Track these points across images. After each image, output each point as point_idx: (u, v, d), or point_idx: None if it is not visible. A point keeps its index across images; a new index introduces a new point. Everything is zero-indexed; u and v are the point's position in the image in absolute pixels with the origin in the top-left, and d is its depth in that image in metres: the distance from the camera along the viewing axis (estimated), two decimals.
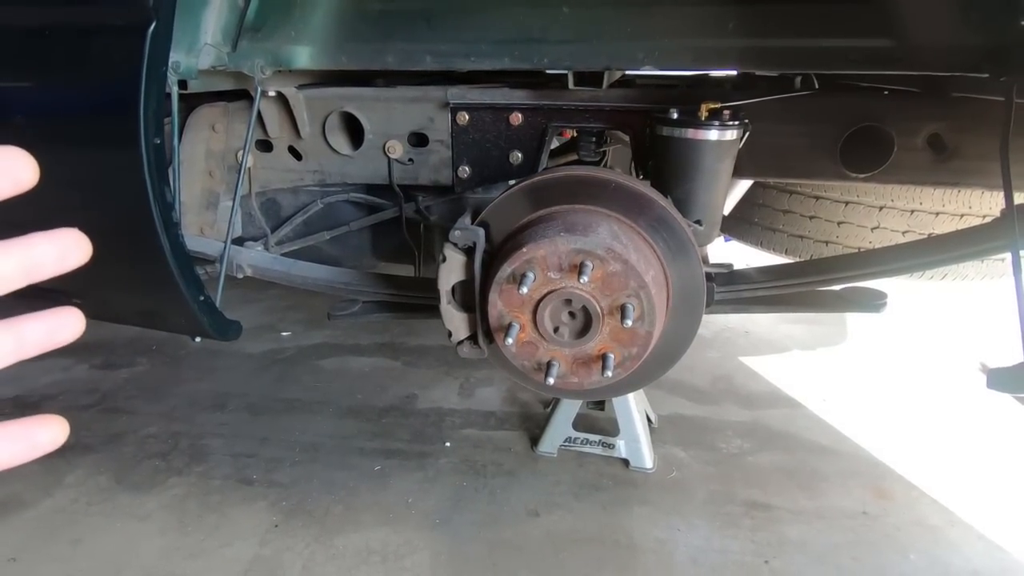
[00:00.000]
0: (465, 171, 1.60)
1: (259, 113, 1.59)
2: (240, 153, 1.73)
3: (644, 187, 1.18)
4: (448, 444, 1.86)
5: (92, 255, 0.34)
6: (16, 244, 0.31)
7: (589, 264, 1.06)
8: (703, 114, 1.27)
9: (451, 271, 1.23)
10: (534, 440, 1.85)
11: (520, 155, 1.55)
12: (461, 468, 1.75)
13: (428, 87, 1.57)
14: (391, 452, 1.82)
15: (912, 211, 1.71)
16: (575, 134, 1.59)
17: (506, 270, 1.11)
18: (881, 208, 1.74)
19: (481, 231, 1.19)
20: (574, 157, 1.91)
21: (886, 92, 1.42)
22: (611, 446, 1.75)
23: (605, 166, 1.92)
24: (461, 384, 2.20)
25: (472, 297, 1.24)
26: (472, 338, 1.31)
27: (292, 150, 1.71)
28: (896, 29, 1.12)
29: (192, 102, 1.69)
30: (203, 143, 1.73)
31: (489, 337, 1.29)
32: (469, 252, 1.22)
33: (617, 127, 1.53)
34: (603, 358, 1.14)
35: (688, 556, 1.45)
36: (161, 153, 1.04)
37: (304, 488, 1.66)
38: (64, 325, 0.34)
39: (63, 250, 0.32)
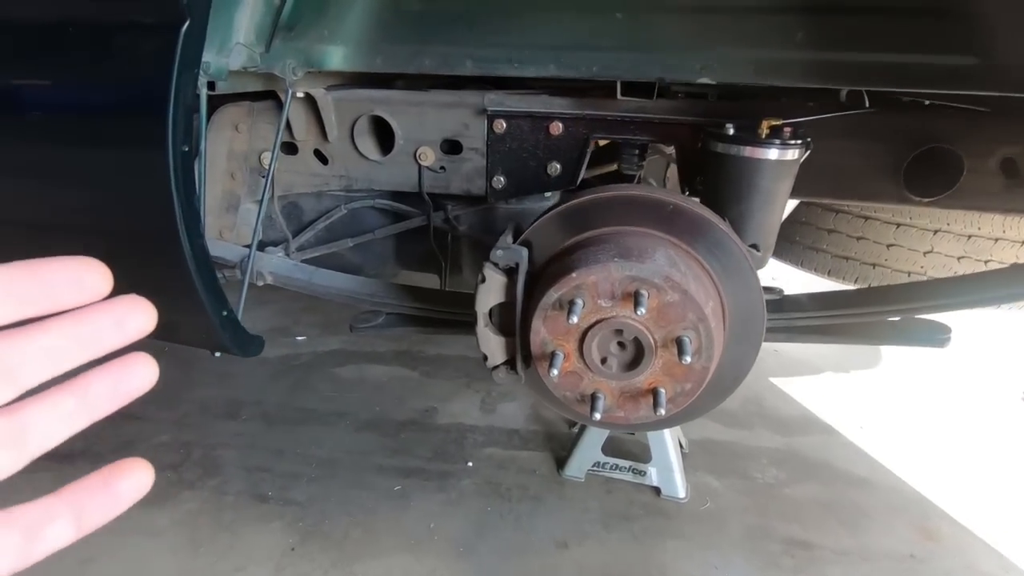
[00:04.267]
0: (500, 181, 1.52)
1: (286, 115, 1.52)
2: (263, 155, 1.66)
3: (703, 210, 1.10)
4: (470, 464, 1.78)
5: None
6: (72, 322, 0.29)
7: (645, 293, 0.98)
8: (763, 131, 1.18)
9: (490, 292, 1.16)
10: (560, 462, 1.77)
11: (559, 166, 1.47)
12: (485, 491, 1.67)
13: (464, 92, 1.49)
14: (411, 471, 1.74)
15: (969, 236, 1.62)
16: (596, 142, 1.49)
17: (552, 295, 1.03)
18: (936, 232, 1.65)
19: (524, 251, 1.12)
20: (610, 169, 1.84)
21: (955, 111, 1.33)
22: (642, 473, 1.67)
23: (640, 180, 1.84)
24: (483, 398, 2.12)
25: (511, 321, 1.17)
26: (509, 363, 1.23)
27: (318, 154, 1.64)
28: (981, 46, 1.03)
29: (215, 101, 1.62)
30: (225, 143, 1.66)
31: (527, 362, 1.22)
32: (510, 273, 1.14)
33: (664, 140, 1.45)
34: (654, 393, 1.06)
35: None
36: (189, 161, 0.97)
37: (321, 507, 1.59)
38: (133, 375, 0.32)
39: (122, 317, 0.31)
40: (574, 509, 1.61)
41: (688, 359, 0.97)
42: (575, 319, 0.98)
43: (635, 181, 1.82)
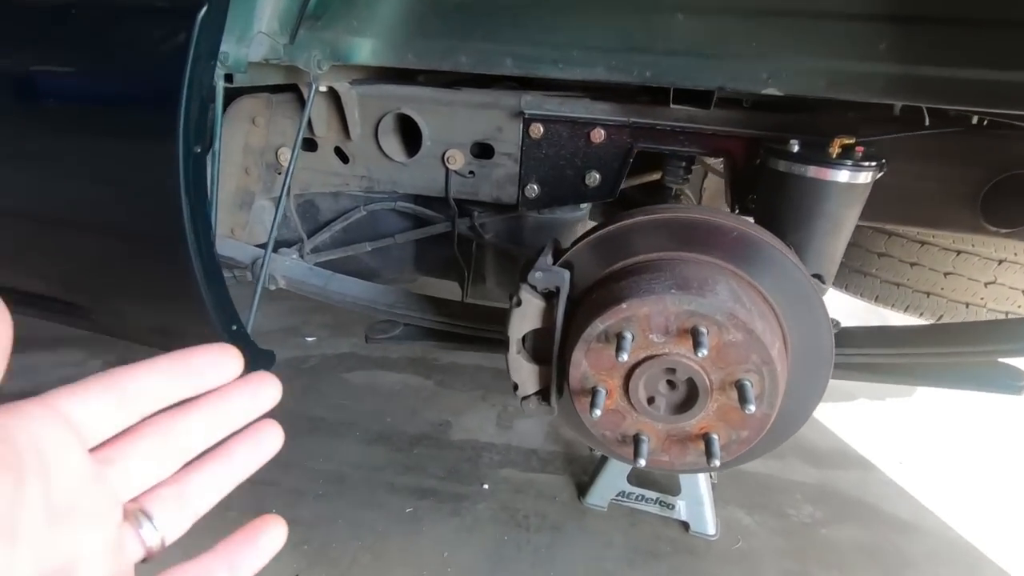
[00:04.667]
0: (533, 190, 1.41)
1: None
2: (280, 151, 1.56)
3: (770, 236, 0.98)
4: (486, 486, 1.68)
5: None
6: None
7: (705, 331, 0.87)
8: (835, 150, 1.07)
9: (525, 317, 1.05)
10: (581, 488, 1.67)
11: (598, 176, 1.36)
12: (501, 517, 1.57)
13: (500, 92, 1.38)
14: (424, 491, 1.65)
15: None
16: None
17: (598, 327, 0.92)
18: (1000, 262, 1.53)
19: (567, 274, 1.01)
20: (649, 179, 1.73)
21: None
22: (671, 506, 1.57)
23: (678, 194, 1.72)
24: (499, 413, 2.02)
25: (547, 349, 1.06)
26: (541, 393, 1.13)
27: (339, 152, 1.54)
28: None
29: (231, 93, 1.52)
30: (241, 137, 1.56)
31: (561, 394, 1.12)
32: (549, 297, 1.03)
33: (716, 154, 1.34)
34: (706, 440, 0.95)
35: None
36: (201, 161, 0.87)
37: (328, 529, 1.49)
38: (266, 442, 0.37)
39: (255, 392, 0.37)
40: (597, 543, 1.51)
41: (751, 408, 0.86)
42: (625, 356, 0.87)
43: (673, 194, 1.72)
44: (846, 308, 1.85)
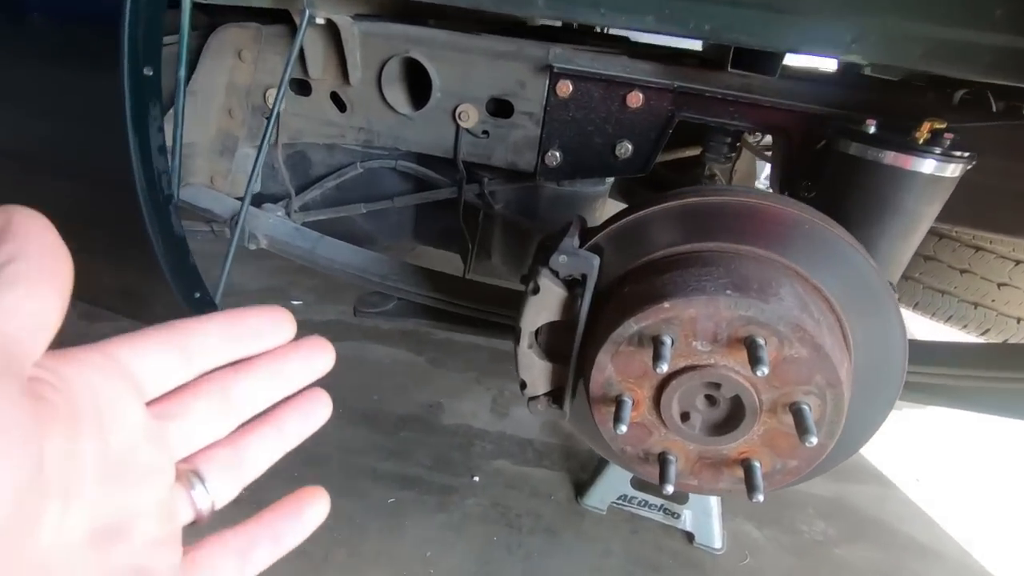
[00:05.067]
0: (555, 157, 1.23)
1: (300, 46, 1.22)
2: (269, 92, 1.37)
3: (846, 235, 0.82)
4: (476, 478, 1.55)
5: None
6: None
7: (763, 343, 0.72)
8: (923, 135, 0.90)
9: (543, 308, 0.89)
10: (579, 487, 1.54)
11: (630, 147, 1.19)
12: (491, 515, 1.44)
13: (526, 41, 1.19)
14: (409, 480, 1.51)
15: None
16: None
17: (631, 327, 0.77)
18: None
19: (596, 260, 0.85)
20: (684, 155, 1.55)
21: None
22: (676, 515, 1.44)
23: (711, 174, 1.55)
24: (494, 397, 1.88)
25: (563, 345, 0.91)
26: (553, 395, 0.98)
27: (335, 98, 1.35)
28: None
29: (216, 18, 1.32)
30: (225, 73, 1.37)
31: (575, 395, 0.97)
32: (572, 286, 0.87)
33: (769, 130, 1.16)
34: (747, 468, 0.81)
35: None
36: (154, 89, 0.69)
37: None
38: (317, 410, 0.37)
39: (309, 356, 0.36)
40: (594, 551, 1.38)
41: (813, 439, 0.71)
42: (664, 367, 0.72)
43: (705, 174, 1.54)
44: None
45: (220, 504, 0.32)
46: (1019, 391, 0.96)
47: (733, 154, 1.29)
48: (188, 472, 0.31)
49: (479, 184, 1.46)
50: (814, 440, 0.71)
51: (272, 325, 0.34)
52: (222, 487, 0.32)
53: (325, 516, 0.36)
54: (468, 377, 1.97)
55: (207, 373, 0.32)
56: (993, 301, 1.46)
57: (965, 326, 1.53)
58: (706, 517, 1.43)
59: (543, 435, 1.74)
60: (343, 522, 1.37)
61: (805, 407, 0.74)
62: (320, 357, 0.36)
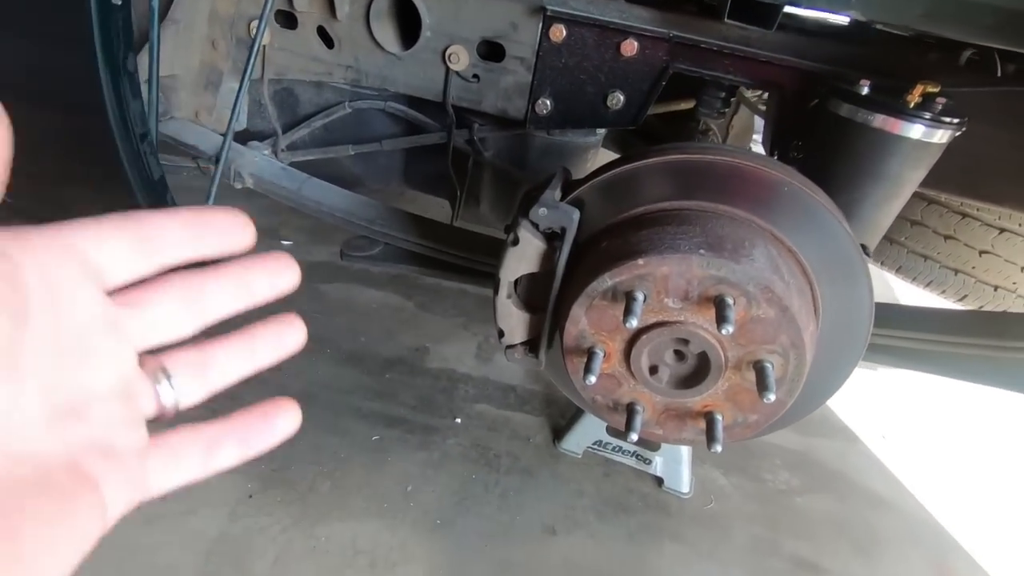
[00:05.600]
0: (545, 105, 1.21)
1: None
2: (253, 23, 1.32)
3: (824, 198, 0.82)
4: (458, 420, 1.60)
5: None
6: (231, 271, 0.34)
7: (732, 303, 0.73)
8: (914, 99, 0.89)
9: (522, 259, 0.90)
10: (557, 432, 1.60)
11: (622, 98, 1.16)
12: (471, 455, 1.50)
13: None
14: (393, 420, 1.56)
15: None
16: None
17: (606, 281, 0.78)
18: None
19: (576, 214, 0.85)
20: (676, 108, 1.52)
21: None
22: (647, 461, 1.51)
23: (704, 129, 1.52)
24: (479, 344, 1.92)
25: (541, 296, 0.92)
26: (529, 344, 1.00)
27: (322, 33, 1.31)
28: None
29: None
30: (207, 2, 1.31)
31: (551, 345, 0.99)
32: (551, 239, 0.88)
33: (764, 86, 1.14)
34: (708, 420, 0.84)
35: None
36: (124, 20, 0.67)
37: (289, 450, 1.40)
38: (291, 334, 0.37)
39: (275, 272, 0.35)
40: (567, 491, 1.45)
41: (771, 396, 0.74)
42: (634, 322, 0.74)
43: (699, 129, 1.52)
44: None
45: (185, 404, 0.32)
46: (982, 357, 0.99)
47: (727, 109, 1.26)
48: (156, 367, 0.31)
49: (469, 130, 1.43)
50: (772, 397, 0.74)
51: (232, 226, 0.33)
52: (188, 388, 0.32)
53: (295, 429, 0.36)
54: (455, 323, 2.00)
55: (173, 270, 0.31)
56: (973, 268, 1.48)
57: (944, 291, 1.55)
58: (676, 464, 1.50)
59: (526, 382, 1.78)
60: (328, 456, 1.42)
61: (768, 365, 0.77)
62: (284, 273, 0.36)
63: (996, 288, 1.46)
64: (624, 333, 0.82)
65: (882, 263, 1.62)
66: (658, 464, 1.51)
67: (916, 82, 0.88)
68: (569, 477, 1.49)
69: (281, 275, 0.35)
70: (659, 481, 1.51)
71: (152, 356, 0.31)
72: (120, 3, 0.62)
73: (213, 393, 0.33)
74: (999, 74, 0.99)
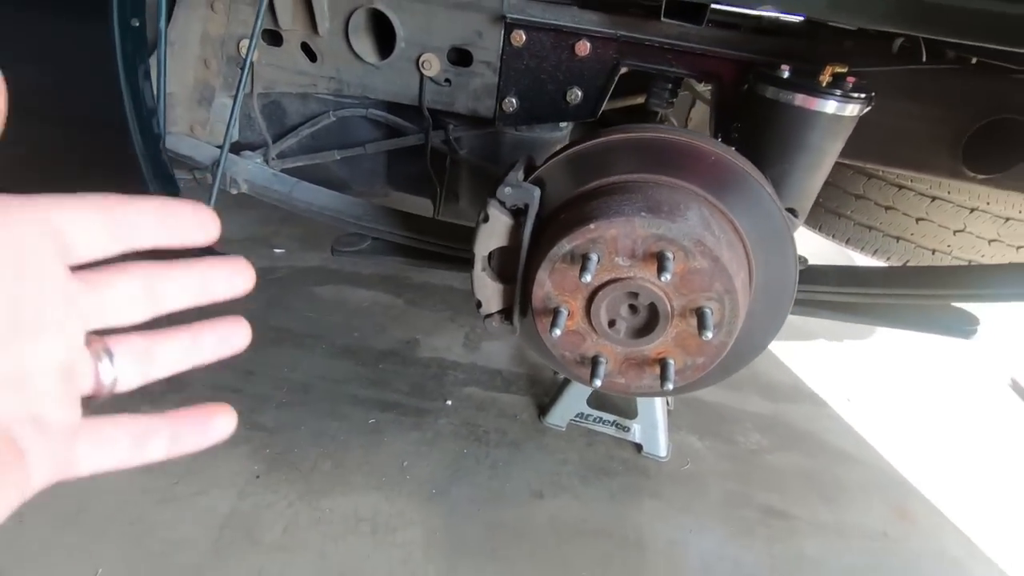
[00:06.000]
0: (512, 104, 1.34)
1: None
2: (242, 42, 1.44)
3: (748, 166, 0.96)
4: (449, 402, 1.71)
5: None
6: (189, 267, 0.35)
7: (671, 256, 0.86)
8: (825, 78, 1.02)
9: (492, 234, 1.02)
10: (542, 409, 1.71)
11: (580, 94, 1.29)
12: (462, 432, 1.61)
13: None
14: (387, 404, 1.67)
15: (1007, 219, 1.51)
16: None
17: (564, 246, 0.90)
18: (972, 210, 1.53)
19: (536, 192, 0.97)
20: (633, 102, 1.66)
21: None
22: (626, 429, 1.62)
23: (662, 119, 1.66)
24: (467, 334, 2.03)
25: (512, 267, 1.04)
26: (505, 312, 1.12)
27: (306, 48, 1.43)
28: None
29: None
30: (199, 24, 1.44)
31: (525, 314, 1.11)
32: (517, 214, 1.00)
33: (704, 76, 1.27)
34: (662, 364, 0.96)
35: (700, 563, 1.35)
36: (141, 38, 0.79)
37: (291, 436, 1.52)
38: (236, 334, 0.37)
39: (233, 273, 0.37)
40: (553, 460, 1.56)
41: (709, 335, 0.86)
42: (588, 278, 0.86)
43: (658, 119, 1.66)
44: (816, 248, 1.87)
45: (122, 387, 0.32)
46: (900, 306, 1.12)
47: (675, 99, 1.40)
48: (100, 346, 0.31)
49: (445, 131, 1.56)
50: (710, 335, 0.86)
51: (198, 219, 0.34)
52: (128, 372, 0.32)
53: (229, 433, 0.36)
54: (443, 316, 2.11)
55: (138, 256, 0.32)
56: (912, 235, 1.61)
57: (889, 258, 1.69)
58: (653, 429, 1.61)
59: (511, 365, 1.90)
60: (328, 439, 1.53)
61: (707, 310, 0.89)
62: (241, 276, 0.37)
63: (934, 251, 1.60)
64: (583, 291, 0.94)
65: (833, 236, 1.76)
66: (636, 431, 1.62)
67: (826, 64, 1.01)
68: (554, 448, 1.61)
69: (237, 277, 0.36)
70: (638, 447, 1.63)
71: (98, 336, 0.32)
72: (138, 25, 0.74)
73: (151, 380, 0.34)
74: (923, 59, 1.13)
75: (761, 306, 1.01)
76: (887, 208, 1.62)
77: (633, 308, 0.95)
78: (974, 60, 1.14)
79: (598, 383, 0.96)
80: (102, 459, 0.31)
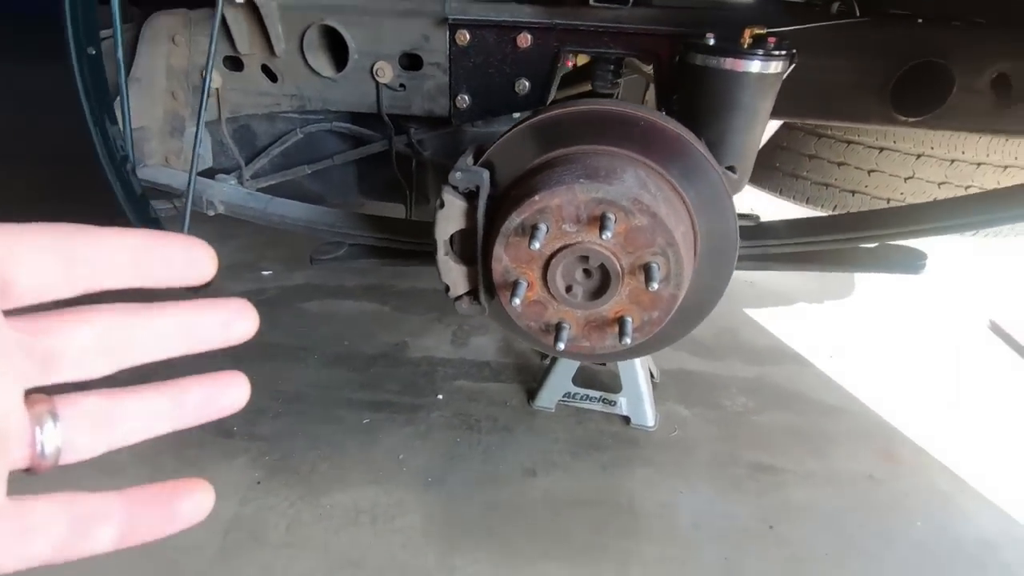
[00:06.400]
0: (464, 100, 1.41)
1: (225, 24, 1.37)
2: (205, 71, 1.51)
3: (678, 127, 1.02)
4: (440, 396, 1.76)
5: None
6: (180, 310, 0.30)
7: (612, 217, 0.91)
8: (745, 41, 1.09)
9: (450, 219, 1.08)
10: (531, 394, 1.76)
11: (528, 84, 1.36)
12: (454, 423, 1.66)
13: None
14: (380, 404, 1.72)
15: (952, 160, 1.57)
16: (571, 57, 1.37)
17: (514, 220, 0.96)
18: (918, 156, 1.59)
19: (485, 173, 1.03)
20: (584, 88, 1.73)
21: (950, 23, 1.23)
22: (612, 403, 1.67)
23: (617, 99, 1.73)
24: (454, 332, 2.08)
25: (473, 248, 1.10)
26: (472, 293, 1.17)
27: (266, 70, 1.50)
28: None
29: (145, 8, 1.45)
30: (163, 58, 1.51)
31: (491, 293, 1.16)
32: (471, 197, 1.06)
33: (640, 54, 1.34)
34: (620, 322, 1.01)
35: (691, 520, 1.40)
36: (99, 67, 0.85)
37: (288, 443, 1.57)
38: (228, 393, 0.31)
39: (230, 319, 0.31)
40: (544, 439, 1.61)
41: (656, 286, 0.92)
42: (537, 245, 0.92)
43: None
44: (781, 211, 1.93)
45: (71, 458, 0.26)
46: (843, 250, 1.19)
47: (619, 80, 1.46)
48: (43, 407, 0.26)
49: (407, 135, 1.62)
50: (655, 286, 0.92)
51: (187, 255, 0.29)
52: (80, 440, 0.27)
53: (203, 516, 0.30)
54: (430, 318, 2.17)
55: (104, 304, 0.27)
56: (866, 187, 1.67)
57: (848, 212, 1.74)
58: (638, 401, 1.66)
59: (498, 357, 1.95)
60: (324, 442, 1.58)
61: (654, 264, 0.95)
62: (242, 321, 0.31)
63: (888, 200, 1.66)
64: (538, 260, 0.99)
65: (793, 197, 1.82)
66: (623, 404, 1.67)
67: (741, 27, 1.08)
68: (545, 429, 1.65)
69: (236, 322, 0.31)
70: (626, 420, 1.68)
71: (43, 396, 0.26)
72: (94, 53, 0.80)
73: (112, 449, 0.28)
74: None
75: (709, 260, 1.06)
76: (840, 164, 1.68)
77: (587, 272, 1.01)
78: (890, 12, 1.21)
79: (562, 346, 1.02)
80: (25, 552, 0.25)
